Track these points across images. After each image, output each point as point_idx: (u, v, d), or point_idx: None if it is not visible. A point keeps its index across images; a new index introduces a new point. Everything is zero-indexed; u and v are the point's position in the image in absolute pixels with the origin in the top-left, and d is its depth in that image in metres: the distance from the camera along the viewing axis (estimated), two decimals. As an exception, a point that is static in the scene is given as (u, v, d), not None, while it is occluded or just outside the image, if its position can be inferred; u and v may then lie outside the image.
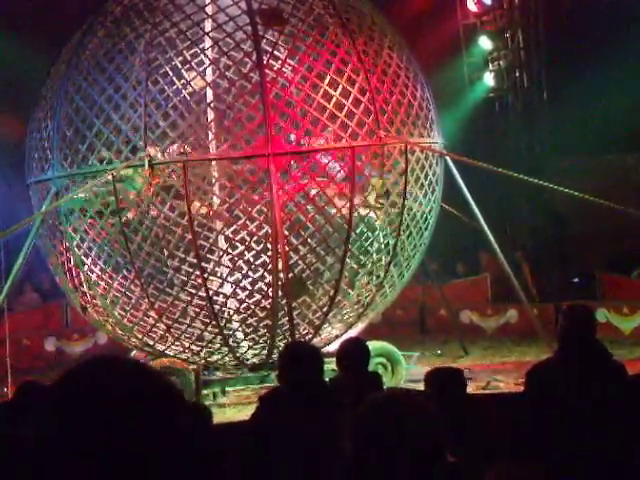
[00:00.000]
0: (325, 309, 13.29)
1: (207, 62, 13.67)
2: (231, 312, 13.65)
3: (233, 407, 13.19)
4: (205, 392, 13.42)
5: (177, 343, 13.42)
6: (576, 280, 19.51)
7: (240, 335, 13.80)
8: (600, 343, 6.24)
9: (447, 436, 2.60)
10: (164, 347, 13.53)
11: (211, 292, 13.03)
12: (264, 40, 13.28)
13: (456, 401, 6.05)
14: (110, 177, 12.44)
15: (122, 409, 1.56)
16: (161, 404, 1.60)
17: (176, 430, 1.60)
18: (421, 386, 6.49)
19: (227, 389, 13.94)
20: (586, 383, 5.90)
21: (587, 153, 20.34)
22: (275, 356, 13.48)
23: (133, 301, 13.40)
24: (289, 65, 13.47)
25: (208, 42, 13.58)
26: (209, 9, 13.40)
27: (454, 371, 6.51)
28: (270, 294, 13.15)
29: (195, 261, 13.08)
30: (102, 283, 13.47)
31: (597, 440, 5.73)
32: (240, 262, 14.17)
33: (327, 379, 6.41)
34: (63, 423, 1.56)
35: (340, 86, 12.66)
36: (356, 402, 2.67)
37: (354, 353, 6.53)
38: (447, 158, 14.11)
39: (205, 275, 12.92)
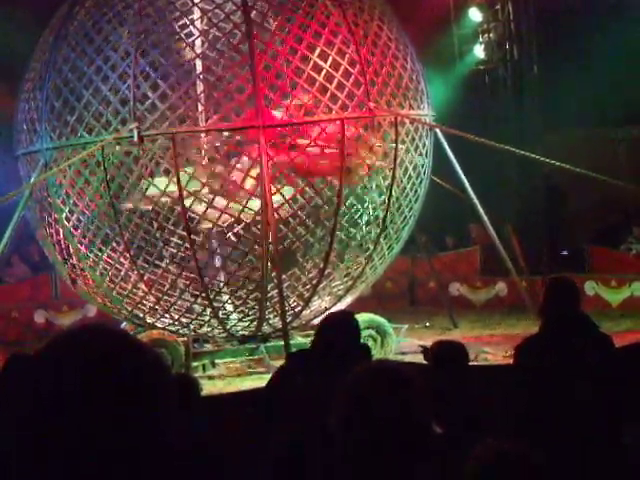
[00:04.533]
0: (314, 281, 13.30)
1: (196, 33, 13.60)
2: (220, 284, 13.64)
3: (223, 379, 13.23)
4: (195, 364, 13.44)
5: (167, 315, 13.43)
6: (565, 253, 19.55)
7: (229, 307, 13.81)
8: (585, 315, 6.25)
9: (434, 408, 2.60)
10: (154, 319, 13.54)
11: (201, 264, 13.02)
12: (254, 11, 13.20)
13: (459, 373, 6.08)
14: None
15: (106, 379, 1.56)
16: (146, 376, 1.60)
17: (160, 403, 1.60)
18: (410, 358, 6.52)
19: (217, 361, 13.96)
20: (573, 355, 5.92)
21: (577, 126, 20.31)
22: (264, 328, 13.52)
23: (122, 273, 13.39)
24: (279, 37, 13.40)
25: (197, 13, 13.50)
26: (198, -21, 13.30)
27: (457, 344, 6.53)
28: (260, 266, 13.15)
29: (185, 233, 13.06)
30: (91, 255, 13.45)
31: (586, 413, 5.75)
32: (230, 234, 14.15)
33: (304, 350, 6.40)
34: (45, 391, 1.56)
35: (330, 58, 12.61)
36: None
37: (343, 327, 6.46)
38: (437, 130, 14.10)
39: (195, 247, 12.91)
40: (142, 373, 1.59)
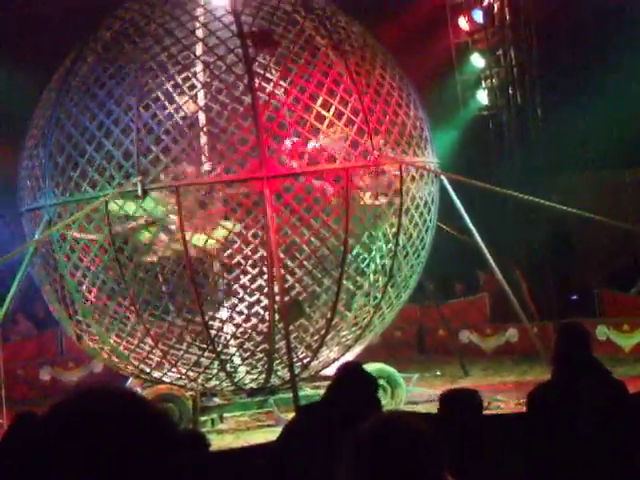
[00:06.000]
0: (322, 332, 13.27)
1: (199, 86, 13.70)
2: (228, 337, 13.63)
3: (232, 433, 13.17)
4: (203, 419, 13.38)
5: (174, 370, 13.39)
6: (575, 297, 19.50)
7: (237, 360, 13.78)
8: (597, 361, 6.23)
9: (447, 458, 2.59)
10: (161, 374, 13.50)
11: (207, 317, 13.01)
12: (255, 63, 13.32)
13: (472, 423, 6.04)
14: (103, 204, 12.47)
15: (112, 442, 1.56)
16: (152, 437, 1.60)
17: (167, 464, 1.60)
18: (421, 408, 6.49)
19: (225, 415, 13.90)
20: (587, 403, 5.89)
21: (583, 169, 20.37)
22: (273, 380, 13.47)
23: (128, 328, 13.38)
24: (281, 87, 13.52)
25: (199, 66, 13.62)
26: (199, 32, 13.44)
27: (470, 392, 6.48)
28: (267, 318, 13.14)
29: (190, 287, 13.06)
30: (97, 311, 13.45)
31: (600, 459, 5.72)
32: (236, 286, 14.16)
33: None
34: (52, 455, 1.56)
35: (333, 107, 12.70)
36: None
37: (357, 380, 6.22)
38: (442, 177, 14.14)
39: (200, 301, 12.91)
40: (149, 437, 1.59)
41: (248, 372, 13.61)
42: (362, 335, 13.72)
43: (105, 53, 13.38)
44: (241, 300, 14.03)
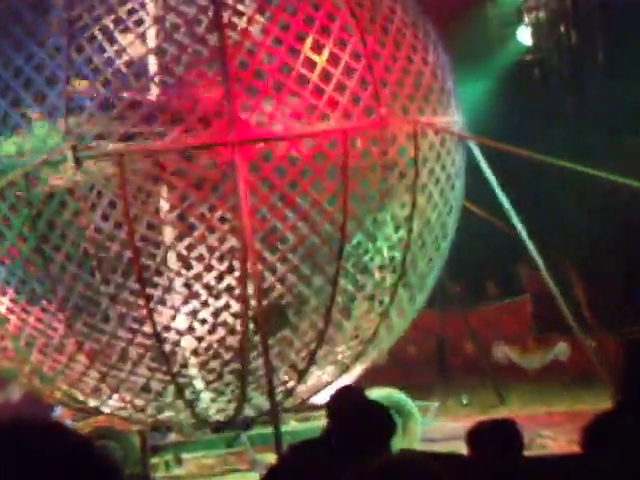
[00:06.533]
0: (312, 347, 13.30)
1: (148, 21, 13.68)
2: (187, 354, 13.65)
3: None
4: (155, 461, 13.42)
5: (115, 396, 13.42)
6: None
7: (199, 384, 13.81)
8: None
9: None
10: (98, 402, 13.52)
11: (159, 327, 13.03)
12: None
13: (508, 466, 6.07)
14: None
15: None
16: None
17: None
18: (441, 447, 6.53)
19: (184, 456, 13.95)
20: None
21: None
22: (247, 411, 13.51)
23: (55, 341, 13.38)
24: (258, 23, 13.50)
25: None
26: (150, -50, 13.45)
27: (506, 426, 6.51)
28: (238, 328, 13.16)
29: (137, 286, 13.08)
30: (13, 318, 13.44)
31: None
32: (197, 287, 14.18)
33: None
34: None
35: (327, 50, 12.69)
36: None
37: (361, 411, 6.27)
38: (470, 142, 14.16)
39: (151, 305, 12.93)
40: None
41: (214, 400, 13.65)
42: (364, 351, 13.76)
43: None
44: (204, 305, 14.04)
